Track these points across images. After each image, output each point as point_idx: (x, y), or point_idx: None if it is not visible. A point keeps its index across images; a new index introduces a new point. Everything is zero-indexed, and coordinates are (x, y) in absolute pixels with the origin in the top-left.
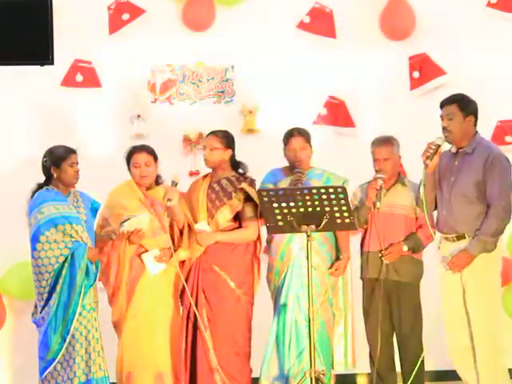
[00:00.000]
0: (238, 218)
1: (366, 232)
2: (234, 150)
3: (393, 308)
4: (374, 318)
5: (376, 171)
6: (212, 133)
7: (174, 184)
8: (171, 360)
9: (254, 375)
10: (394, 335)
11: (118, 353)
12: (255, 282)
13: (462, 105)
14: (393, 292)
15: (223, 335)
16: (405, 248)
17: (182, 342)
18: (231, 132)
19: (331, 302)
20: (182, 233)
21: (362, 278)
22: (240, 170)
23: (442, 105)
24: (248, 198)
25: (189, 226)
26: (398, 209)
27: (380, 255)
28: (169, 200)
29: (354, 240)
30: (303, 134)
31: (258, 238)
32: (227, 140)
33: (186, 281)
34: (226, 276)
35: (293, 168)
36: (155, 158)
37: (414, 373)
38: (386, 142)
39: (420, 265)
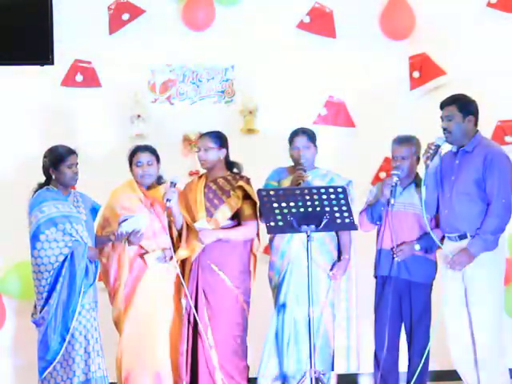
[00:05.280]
0: (236, 216)
1: (379, 230)
2: (227, 149)
3: (403, 307)
4: (384, 315)
5: (393, 168)
6: (205, 134)
7: (173, 185)
8: (171, 359)
9: (252, 374)
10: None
11: (118, 352)
12: (252, 280)
13: (461, 105)
14: (404, 291)
15: (222, 334)
16: (417, 247)
17: (183, 342)
18: (231, 132)
19: (332, 302)
20: (179, 233)
21: (375, 276)
22: (235, 170)
23: (442, 106)
24: (246, 196)
25: (187, 225)
26: (413, 208)
27: (392, 253)
28: (168, 200)
29: (368, 239)
30: (307, 132)
31: (257, 235)
32: (220, 140)
33: (186, 280)
34: (224, 276)
35: (296, 167)
36: (157, 159)
37: (421, 365)
38: (406, 141)
39: (433, 265)
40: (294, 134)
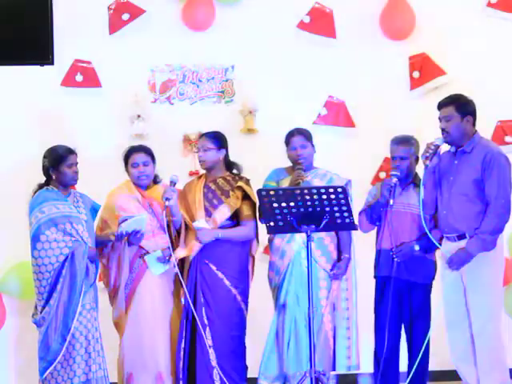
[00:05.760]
0: (235, 216)
1: (379, 230)
2: (227, 150)
3: (403, 307)
4: (384, 316)
5: (392, 169)
6: (205, 134)
7: (173, 184)
8: (171, 360)
9: (252, 374)
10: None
11: (119, 353)
12: (250, 280)
13: (459, 106)
14: (404, 291)
15: (220, 334)
16: (417, 247)
17: (181, 341)
18: (231, 132)
19: (332, 302)
20: (178, 232)
21: (375, 277)
22: (234, 171)
23: (440, 106)
24: (245, 197)
25: (186, 225)
26: (413, 208)
27: (391, 253)
28: (167, 199)
29: (368, 239)
30: (303, 132)
31: (256, 236)
32: (220, 140)
33: (185, 280)
34: (222, 275)
35: (295, 167)
36: (153, 159)
37: (421, 365)
38: (404, 142)
39: (433, 265)
40: (290, 135)
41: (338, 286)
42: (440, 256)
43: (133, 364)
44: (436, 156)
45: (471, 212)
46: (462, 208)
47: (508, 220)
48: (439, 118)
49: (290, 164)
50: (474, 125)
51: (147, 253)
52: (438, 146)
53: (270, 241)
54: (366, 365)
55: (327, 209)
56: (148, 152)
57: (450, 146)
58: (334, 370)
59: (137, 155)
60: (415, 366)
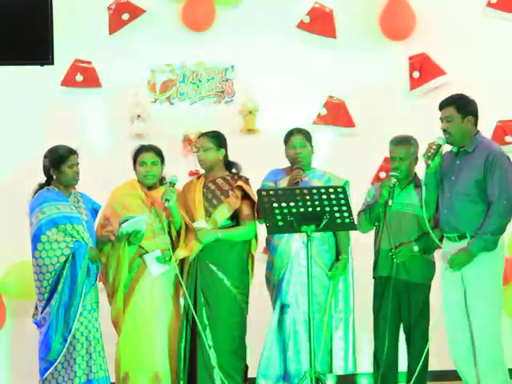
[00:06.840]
0: (234, 216)
1: (378, 230)
2: (226, 149)
3: (402, 307)
4: (384, 316)
5: (391, 169)
6: (203, 134)
7: (172, 184)
8: (169, 360)
9: (253, 374)
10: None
11: (117, 352)
12: (250, 280)
13: (460, 106)
14: (403, 291)
15: (221, 334)
16: (415, 248)
17: (181, 342)
18: (231, 132)
19: (330, 302)
20: (178, 233)
21: (374, 277)
22: (233, 170)
23: (441, 107)
24: (245, 196)
25: (185, 225)
26: (412, 209)
27: (391, 254)
28: (167, 200)
29: (367, 239)
30: (302, 132)
31: (255, 235)
32: (219, 140)
33: (185, 280)
34: (222, 276)
35: (294, 167)
36: (162, 160)
37: (421, 365)
38: (404, 142)
39: (431, 265)
40: (290, 134)
41: (335, 287)
42: (439, 256)
43: (130, 363)
44: (438, 156)
45: (473, 212)
46: (463, 208)
47: (510, 220)
48: (440, 119)
49: (289, 164)
50: (475, 125)
51: (146, 253)
52: (439, 146)
53: (268, 241)
54: (366, 365)
55: (327, 209)
56: (158, 152)
57: (451, 146)
58: (330, 370)
59: (146, 154)
60: (419, 367)
